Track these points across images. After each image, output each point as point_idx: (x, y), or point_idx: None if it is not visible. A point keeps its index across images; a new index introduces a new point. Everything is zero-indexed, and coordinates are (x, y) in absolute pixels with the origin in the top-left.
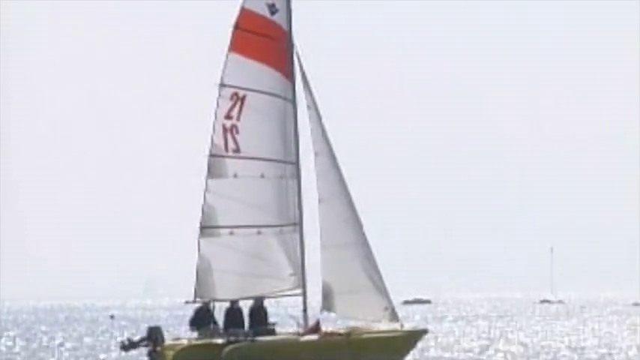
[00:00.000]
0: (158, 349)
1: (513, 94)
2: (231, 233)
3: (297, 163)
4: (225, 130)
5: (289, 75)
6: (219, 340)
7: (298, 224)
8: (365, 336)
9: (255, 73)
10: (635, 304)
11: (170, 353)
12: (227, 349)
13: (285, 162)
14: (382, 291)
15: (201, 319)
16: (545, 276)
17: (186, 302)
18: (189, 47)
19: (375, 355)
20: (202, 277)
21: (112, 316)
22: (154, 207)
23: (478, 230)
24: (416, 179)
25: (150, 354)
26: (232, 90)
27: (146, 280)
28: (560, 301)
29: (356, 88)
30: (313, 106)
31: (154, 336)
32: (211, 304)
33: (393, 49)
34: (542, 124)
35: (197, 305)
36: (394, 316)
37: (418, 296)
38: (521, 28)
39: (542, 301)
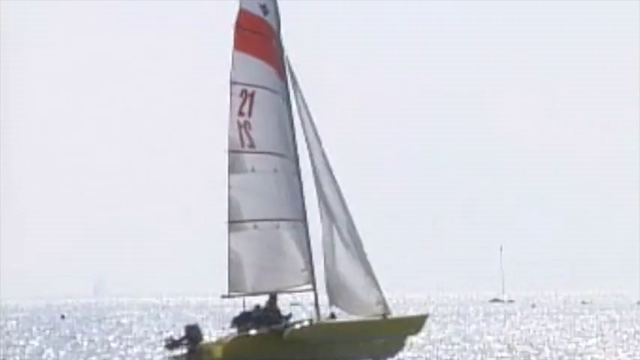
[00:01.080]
0: (196, 347)
1: (503, 95)
2: (255, 227)
3: (297, 160)
4: (239, 126)
5: (283, 73)
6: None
7: (304, 220)
8: (395, 316)
9: (258, 70)
10: (584, 302)
11: (218, 348)
12: (288, 330)
13: (289, 158)
14: (375, 285)
15: (243, 317)
16: (498, 275)
17: (223, 296)
18: (188, 46)
19: (406, 331)
20: (234, 270)
21: (62, 317)
22: (105, 207)
23: (428, 228)
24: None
25: (189, 352)
26: (241, 87)
27: (95, 279)
28: (510, 301)
29: (345, 89)
30: (304, 107)
31: (192, 334)
32: (246, 303)
33: (383, 49)
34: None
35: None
36: (386, 308)
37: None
38: (520, 28)
39: (493, 300)
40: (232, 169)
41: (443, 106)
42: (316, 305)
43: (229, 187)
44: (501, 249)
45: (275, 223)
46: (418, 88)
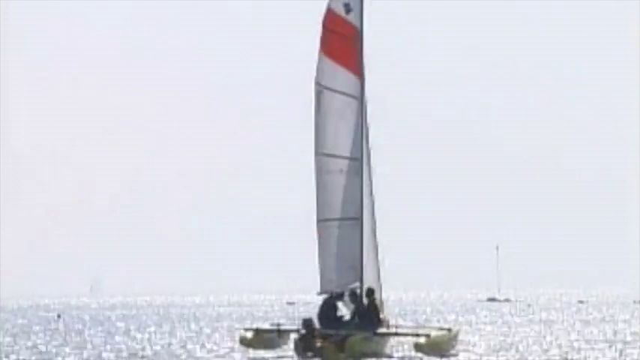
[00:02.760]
0: (315, 340)
1: (498, 92)
2: (339, 226)
3: (361, 160)
4: (317, 127)
5: (361, 74)
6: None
7: (360, 218)
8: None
9: (333, 73)
10: (580, 302)
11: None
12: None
13: (353, 159)
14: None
15: (327, 313)
16: (494, 275)
17: (319, 294)
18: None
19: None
20: (324, 269)
21: (58, 316)
22: (104, 207)
23: (425, 228)
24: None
25: (305, 345)
26: (318, 88)
27: (92, 279)
28: (506, 300)
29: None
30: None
31: (310, 327)
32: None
33: (461, 48)
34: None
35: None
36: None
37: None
38: (520, 27)
39: (489, 300)
40: (316, 169)
41: (439, 102)
42: (361, 302)
43: (316, 187)
44: (497, 248)
45: (348, 222)
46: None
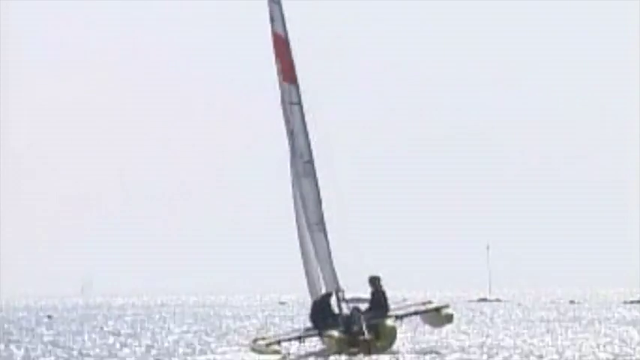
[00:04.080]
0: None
1: (492, 93)
2: (320, 230)
3: (312, 163)
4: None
5: (295, 80)
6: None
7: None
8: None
9: (287, 90)
10: (572, 302)
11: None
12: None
13: (311, 162)
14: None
15: (322, 312)
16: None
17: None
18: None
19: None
20: (325, 271)
21: (49, 317)
22: (93, 206)
23: (415, 227)
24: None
25: (350, 341)
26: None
27: (82, 279)
28: (497, 299)
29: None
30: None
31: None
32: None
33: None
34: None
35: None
36: None
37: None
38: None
39: (480, 300)
40: (296, 174)
41: (432, 104)
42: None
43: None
44: (488, 247)
45: (320, 226)
46: (415, 92)
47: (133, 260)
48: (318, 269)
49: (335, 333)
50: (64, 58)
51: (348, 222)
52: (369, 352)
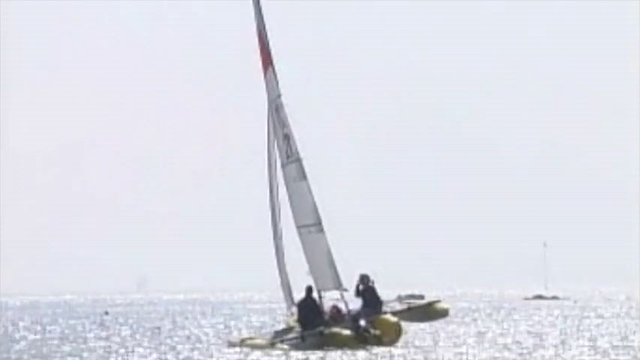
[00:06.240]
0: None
1: (505, 95)
2: (303, 232)
3: (301, 162)
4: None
5: (271, 62)
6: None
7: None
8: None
9: (272, 83)
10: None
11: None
12: None
13: (301, 162)
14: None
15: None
16: (542, 271)
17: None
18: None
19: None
20: (326, 271)
21: (106, 313)
22: (149, 204)
23: (471, 226)
24: (407, 173)
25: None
26: (273, 103)
27: (138, 276)
28: (554, 297)
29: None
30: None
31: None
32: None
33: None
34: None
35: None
36: None
37: (411, 292)
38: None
39: (535, 297)
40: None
41: (438, 105)
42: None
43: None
44: (545, 245)
45: (317, 227)
46: (427, 81)
47: (190, 256)
48: (286, 269)
49: (344, 331)
50: (64, 59)
51: (347, 223)
52: (380, 344)
